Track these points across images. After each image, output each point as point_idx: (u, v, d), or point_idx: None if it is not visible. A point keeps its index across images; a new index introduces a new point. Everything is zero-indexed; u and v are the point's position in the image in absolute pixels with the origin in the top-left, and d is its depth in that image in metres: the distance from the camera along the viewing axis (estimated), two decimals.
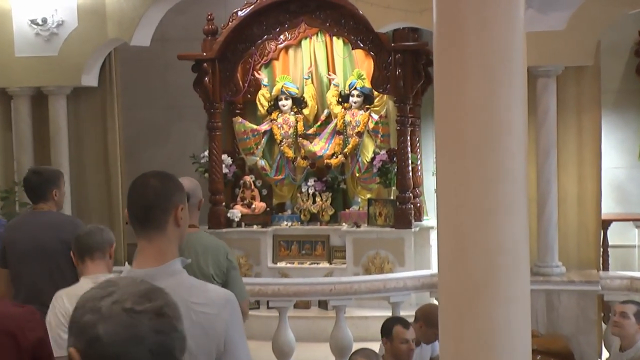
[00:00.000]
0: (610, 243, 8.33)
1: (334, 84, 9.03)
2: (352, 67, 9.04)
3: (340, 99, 8.99)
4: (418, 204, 8.80)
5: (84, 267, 4.01)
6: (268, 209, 9.15)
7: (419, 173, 9.01)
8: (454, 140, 3.08)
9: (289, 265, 8.81)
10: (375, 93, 8.80)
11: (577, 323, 6.68)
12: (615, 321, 5.59)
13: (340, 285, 6.82)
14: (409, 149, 8.43)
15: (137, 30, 7.65)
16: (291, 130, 9.15)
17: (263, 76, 9.22)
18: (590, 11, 6.44)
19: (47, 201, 4.93)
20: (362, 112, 8.89)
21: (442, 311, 3.22)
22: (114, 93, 8.12)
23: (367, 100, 8.90)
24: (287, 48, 9.25)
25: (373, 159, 8.84)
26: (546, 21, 6.32)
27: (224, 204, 8.96)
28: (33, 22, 7.75)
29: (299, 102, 9.17)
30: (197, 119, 9.45)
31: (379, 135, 8.93)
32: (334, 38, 8.96)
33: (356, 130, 8.85)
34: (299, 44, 9.20)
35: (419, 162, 8.96)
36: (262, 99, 9.25)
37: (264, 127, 9.26)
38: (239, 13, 8.60)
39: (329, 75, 9.10)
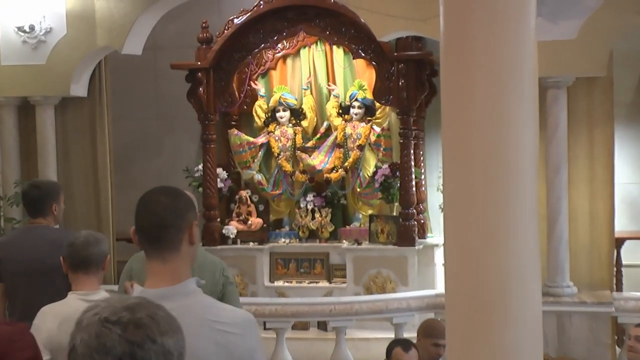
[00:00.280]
0: (623, 262, 8.30)
1: (334, 95, 8.92)
2: (353, 77, 8.93)
3: (340, 111, 8.88)
4: (422, 221, 8.72)
5: (76, 279, 3.93)
6: (265, 225, 9.04)
7: (423, 188, 8.89)
8: (461, 155, 3.03)
9: (286, 284, 8.73)
10: (377, 104, 8.69)
11: (589, 346, 6.70)
12: (630, 345, 5.49)
13: (341, 305, 6.84)
14: (413, 163, 8.34)
15: (128, 38, 7.67)
16: (289, 143, 9.02)
17: (260, 86, 9.11)
18: (603, 20, 6.38)
19: (46, 216, 4.90)
20: (363, 124, 8.77)
21: (449, 333, 3.16)
22: (103, 103, 8.12)
23: (368, 112, 8.79)
24: (285, 57, 9.15)
25: (375, 173, 8.71)
26: (556, 30, 6.22)
27: (218, 219, 8.87)
28: (20, 29, 7.74)
29: (297, 114, 9.05)
30: (191, 130, 9.39)
31: (381, 149, 8.81)
32: (334, 47, 8.86)
33: (357, 144, 8.73)
34: (297, 53, 9.10)
35: (422, 176, 8.84)
36: (259, 110, 9.14)
37: (261, 139, 9.14)
38: (235, 20, 8.53)
39: (329, 85, 8.99)
